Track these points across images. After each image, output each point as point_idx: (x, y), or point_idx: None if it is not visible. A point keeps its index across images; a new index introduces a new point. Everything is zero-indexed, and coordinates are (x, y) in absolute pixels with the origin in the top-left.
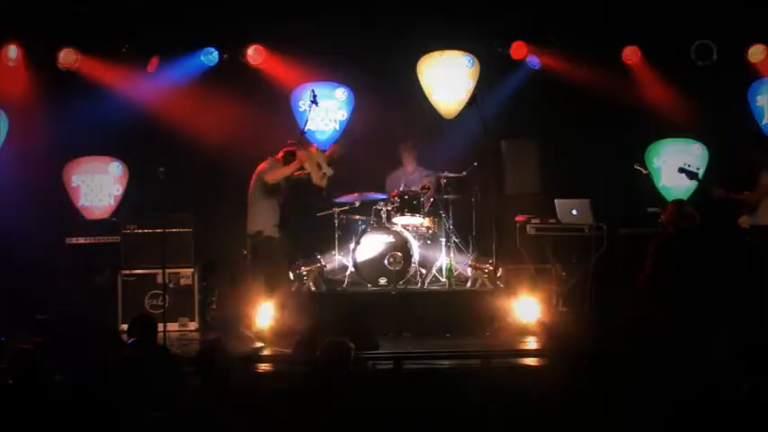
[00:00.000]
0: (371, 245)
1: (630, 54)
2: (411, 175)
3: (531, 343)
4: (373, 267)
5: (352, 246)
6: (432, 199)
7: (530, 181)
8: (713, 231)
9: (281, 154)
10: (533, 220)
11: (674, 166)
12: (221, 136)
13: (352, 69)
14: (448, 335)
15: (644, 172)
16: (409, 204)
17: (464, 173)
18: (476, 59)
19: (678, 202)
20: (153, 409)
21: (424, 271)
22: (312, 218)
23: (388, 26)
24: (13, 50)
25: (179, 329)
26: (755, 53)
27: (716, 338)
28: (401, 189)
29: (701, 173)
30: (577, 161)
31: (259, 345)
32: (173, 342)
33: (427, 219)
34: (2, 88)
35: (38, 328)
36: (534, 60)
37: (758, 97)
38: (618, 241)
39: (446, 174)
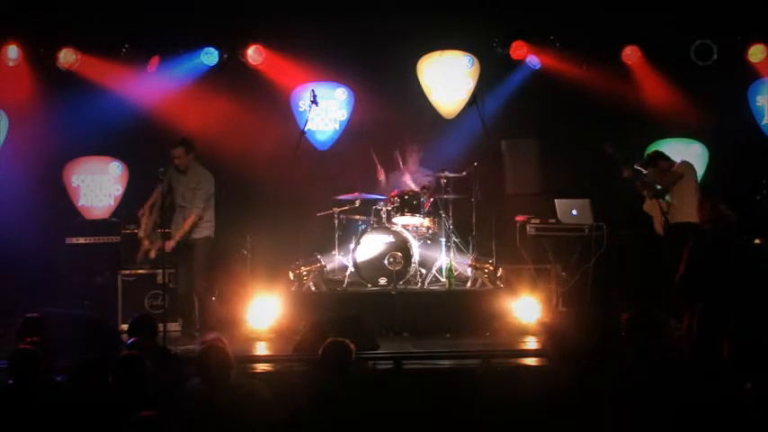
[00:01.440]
0: (371, 245)
1: (630, 54)
2: (413, 176)
3: (531, 343)
4: (373, 267)
5: (352, 246)
6: (432, 199)
7: (530, 181)
8: None
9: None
10: (533, 220)
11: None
12: (221, 136)
13: (352, 69)
14: (448, 335)
15: (644, 172)
16: (409, 204)
17: (464, 173)
18: (476, 59)
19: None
20: (152, 409)
21: (424, 271)
22: (312, 218)
23: (388, 26)
24: (13, 50)
25: (179, 329)
26: (755, 53)
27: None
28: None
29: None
30: (577, 161)
31: (257, 345)
32: (173, 342)
33: (427, 219)
34: (2, 88)
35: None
36: (534, 60)
37: (758, 97)
38: (618, 241)
39: (446, 174)
